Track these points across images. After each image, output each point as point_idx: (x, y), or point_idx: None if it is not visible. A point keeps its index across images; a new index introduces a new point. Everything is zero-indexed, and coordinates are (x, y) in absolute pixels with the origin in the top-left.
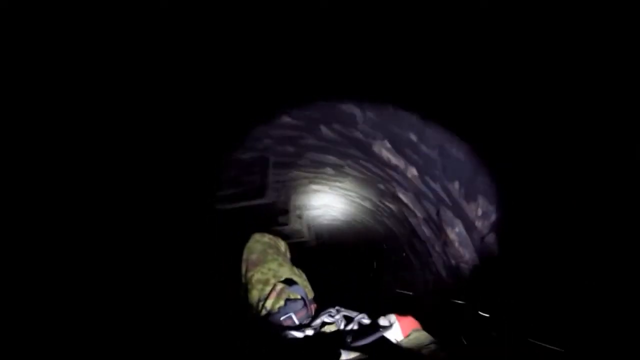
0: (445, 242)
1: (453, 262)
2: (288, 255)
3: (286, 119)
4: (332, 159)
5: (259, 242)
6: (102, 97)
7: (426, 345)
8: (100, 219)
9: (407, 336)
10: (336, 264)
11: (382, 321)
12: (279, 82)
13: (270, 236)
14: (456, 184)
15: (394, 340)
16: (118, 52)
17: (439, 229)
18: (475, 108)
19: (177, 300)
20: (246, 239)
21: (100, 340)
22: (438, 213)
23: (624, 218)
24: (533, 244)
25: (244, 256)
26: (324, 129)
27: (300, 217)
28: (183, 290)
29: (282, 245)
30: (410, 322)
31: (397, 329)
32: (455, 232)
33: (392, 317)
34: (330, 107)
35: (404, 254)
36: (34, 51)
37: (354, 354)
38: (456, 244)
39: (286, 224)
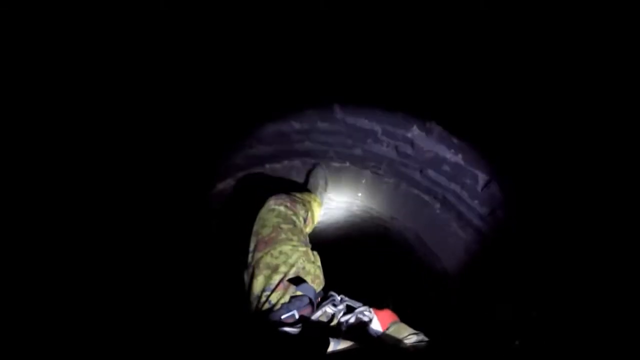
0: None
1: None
2: (312, 221)
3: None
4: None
5: (274, 212)
6: (102, 96)
7: (406, 336)
8: (97, 212)
9: (387, 329)
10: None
11: (362, 316)
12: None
13: (289, 203)
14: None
15: (374, 335)
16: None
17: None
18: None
19: (174, 292)
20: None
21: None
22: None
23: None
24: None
25: (255, 227)
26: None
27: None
28: (180, 280)
29: (302, 214)
30: (388, 315)
31: (376, 323)
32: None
33: (370, 312)
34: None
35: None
36: (34, 51)
37: (343, 344)
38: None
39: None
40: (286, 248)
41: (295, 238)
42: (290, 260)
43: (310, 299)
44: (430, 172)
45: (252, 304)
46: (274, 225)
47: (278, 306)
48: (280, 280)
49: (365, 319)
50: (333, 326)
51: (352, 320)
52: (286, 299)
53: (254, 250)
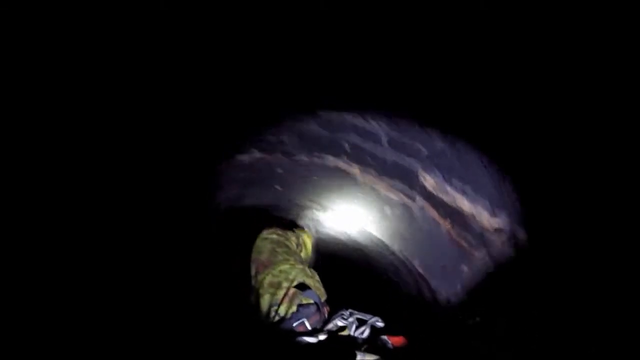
0: None
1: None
2: (305, 248)
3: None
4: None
5: (267, 240)
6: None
7: None
8: (98, 219)
9: None
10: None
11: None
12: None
13: (280, 232)
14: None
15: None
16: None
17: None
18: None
19: (184, 305)
20: (254, 236)
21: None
22: None
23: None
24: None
25: (253, 256)
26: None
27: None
28: (190, 294)
29: (293, 240)
30: (402, 341)
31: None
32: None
33: (384, 337)
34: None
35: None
36: (33, 51)
37: (368, 357)
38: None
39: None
40: (285, 267)
41: (291, 258)
42: (290, 276)
43: (317, 305)
44: None
45: (262, 320)
46: (270, 250)
47: (288, 316)
48: (285, 294)
49: (385, 341)
50: (350, 339)
51: (367, 331)
52: (294, 309)
53: (256, 274)
